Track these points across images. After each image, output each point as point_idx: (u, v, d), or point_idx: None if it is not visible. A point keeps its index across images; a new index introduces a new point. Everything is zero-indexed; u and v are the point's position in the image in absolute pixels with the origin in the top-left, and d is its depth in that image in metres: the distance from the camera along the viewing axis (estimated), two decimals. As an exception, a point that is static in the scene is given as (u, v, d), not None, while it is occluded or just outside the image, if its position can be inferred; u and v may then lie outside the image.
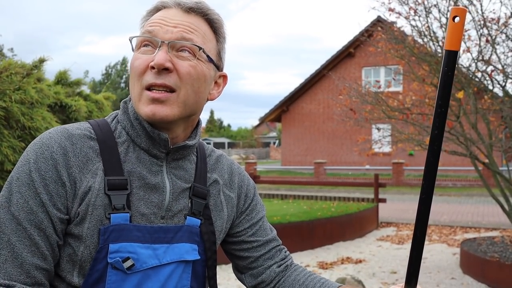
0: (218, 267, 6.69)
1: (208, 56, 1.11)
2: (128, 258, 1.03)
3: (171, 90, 1.05)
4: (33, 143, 1.05)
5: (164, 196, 1.11)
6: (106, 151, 1.07)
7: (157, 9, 1.12)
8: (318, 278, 1.25)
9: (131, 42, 1.10)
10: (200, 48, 1.08)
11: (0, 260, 0.97)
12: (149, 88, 1.05)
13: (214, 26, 1.14)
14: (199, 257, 1.14)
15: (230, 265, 1.40)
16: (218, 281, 6.57)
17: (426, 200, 0.98)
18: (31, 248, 0.98)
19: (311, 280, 1.25)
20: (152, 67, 1.03)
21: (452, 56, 0.92)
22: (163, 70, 1.04)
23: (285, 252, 1.33)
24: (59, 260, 1.04)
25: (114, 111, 1.18)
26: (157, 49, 1.05)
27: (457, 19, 0.91)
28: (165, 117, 1.05)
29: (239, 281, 1.36)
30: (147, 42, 1.07)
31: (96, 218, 1.02)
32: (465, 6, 6.67)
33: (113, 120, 1.15)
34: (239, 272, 1.32)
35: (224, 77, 1.20)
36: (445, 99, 0.94)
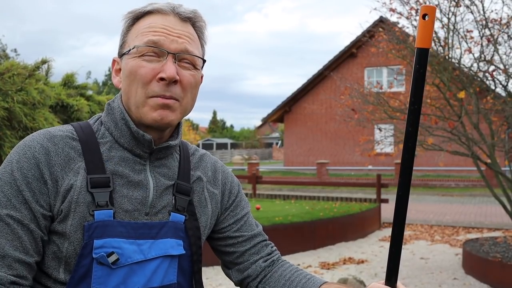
0: (218, 267, 6.69)
1: (203, 65, 1.18)
2: (112, 253, 1.05)
3: (176, 99, 1.11)
4: (16, 146, 1.08)
5: (147, 193, 1.13)
6: (88, 151, 1.10)
7: (149, 13, 1.13)
8: (304, 274, 1.27)
9: (131, 49, 1.10)
10: (204, 61, 1.17)
11: None
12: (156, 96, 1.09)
13: (199, 32, 1.19)
14: (184, 252, 1.16)
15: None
16: (220, 282, 6.56)
17: (403, 197, 1.00)
18: (13, 242, 1.00)
19: (297, 276, 1.26)
20: (161, 79, 1.07)
21: (423, 53, 0.95)
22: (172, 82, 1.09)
23: (271, 248, 1.35)
24: (45, 257, 1.06)
25: (97, 114, 1.22)
26: (164, 59, 1.08)
27: (426, 17, 0.93)
28: (171, 121, 1.11)
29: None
30: (152, 52, 1.09)
31: (80, 215, 1.05)
32: (467, 6, 6.66)
33: (95, 121, 1.18)
34: (226, 267, 1.34)
35: (202, 76, 1.25)
36: (418, 96, 0.96)
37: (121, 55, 1.15)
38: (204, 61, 1.18)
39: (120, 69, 1.16)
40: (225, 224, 1.30)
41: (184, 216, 1.18)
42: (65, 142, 1.09)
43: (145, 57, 1.09)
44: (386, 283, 1.05)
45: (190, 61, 1.12)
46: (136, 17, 1.14)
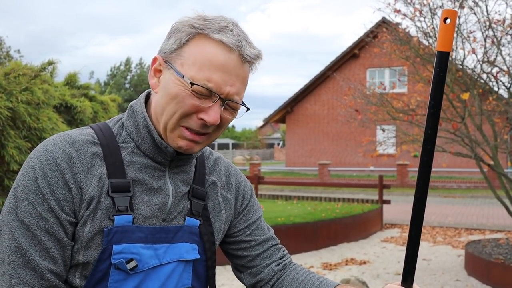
0: (223, 268, 6.71)
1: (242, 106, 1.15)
2: (131, 259, 1.05)
3: (208, 134, 1.11)
4: (36, 149, 1.05)
5: (167, 200, 1.13)
6: (109, 155, 1.09)
7: (212, 40, 1.06)
8: (317, 277, 1.27)
9: (185, 78, 1.05)
10: (247, 109, 1.14)
11: (12, 267, 0.98)
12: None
13: (252, 71, 1.16)
14: (199, 257, 1.16)
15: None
16: (222, 282, 6.56)
17: (420, 199, 1.00)
18: (41, 252, 1.00)
19: (310, 279, 1.26)
20: (202, 119, 1.06)
21: (444, 57, 0.95)
22: None
23: (283, 251, 1.35)
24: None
25: (117, 115, 1.19)
26: (212, 102, 1.06)
27: (448, 20, 0.94)
28: (194, 152, 1.13)
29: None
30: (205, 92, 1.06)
31: (99, 219, 1.04)
32: (470, 8, 6.66)
33: (115, 124, 1.16)
34: (238, 271, 1.34)
35: None
36: (438, 99, 0.96)
37: (168, 61, 1.09)
38: (248, 109, 1.15)
39: (160, 71, 1.11)
40: (237, 228, 1.30)
41: (198, 221, 1.18)
42: (87, 147, 1.07)
43: (195, 93, 1.05)
44: (402, 284, 1.06)
45: (234, 107, 1.11)
46: (198, 34, 1.07)
